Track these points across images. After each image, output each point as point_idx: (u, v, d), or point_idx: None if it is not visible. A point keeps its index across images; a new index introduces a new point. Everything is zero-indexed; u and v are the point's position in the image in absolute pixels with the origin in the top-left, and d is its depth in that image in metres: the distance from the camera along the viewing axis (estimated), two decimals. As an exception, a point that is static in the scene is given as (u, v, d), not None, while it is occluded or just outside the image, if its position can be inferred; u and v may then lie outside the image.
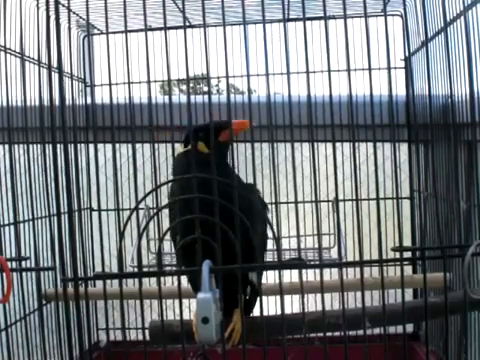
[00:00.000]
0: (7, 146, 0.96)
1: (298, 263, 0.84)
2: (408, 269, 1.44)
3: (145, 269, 1.11)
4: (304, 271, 0.82)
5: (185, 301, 1.20)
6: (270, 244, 1.08)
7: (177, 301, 0.81)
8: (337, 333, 0.89)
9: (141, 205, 1.02)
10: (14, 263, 0.88)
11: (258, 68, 1.43)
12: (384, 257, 0.79)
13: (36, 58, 1.23)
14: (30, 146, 1.10)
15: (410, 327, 1.61)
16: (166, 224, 0.84)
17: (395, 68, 1.58)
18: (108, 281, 0.79)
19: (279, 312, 0.83)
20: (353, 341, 1.18)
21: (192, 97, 1.53)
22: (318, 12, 1.47)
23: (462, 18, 0.88)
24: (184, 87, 2.12)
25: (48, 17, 0.77)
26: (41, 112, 0.95)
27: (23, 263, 0.90)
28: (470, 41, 0.82)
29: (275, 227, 0.78)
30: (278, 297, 1.18)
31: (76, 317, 0.76)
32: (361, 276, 0.80)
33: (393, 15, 1.54)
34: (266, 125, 1.32)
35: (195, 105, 1.49)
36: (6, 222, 1.08)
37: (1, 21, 1.08)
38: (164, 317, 0.83)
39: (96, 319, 1.63)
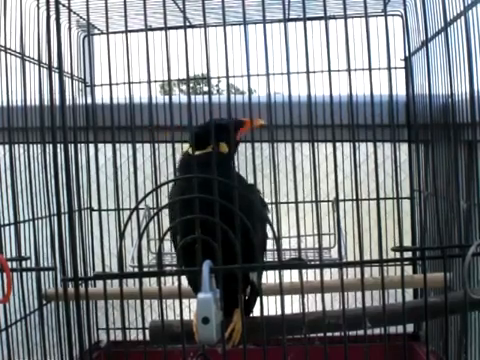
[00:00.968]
0: (7, 146, 0.96)
1: (298, 263, 0.84)
2: (408, 269, 1.44)
3: (145, 269, 1.11)
4: (304, 271, 0.82)
5: (185, 301, 1.20)
6: (270, 244, 1.08)
7: (177, 301, 0.81)
8: (337, 333, 0.89)
9: (141, 205, 1.02)
10: (14, 263, 0.88)
11: (258, 68, 1.43)
12: (384, 257, 0.79)
13: (36, 58, 1.23)
14: (30, 146, 1.10)
15: (410, 327, 1.61)
16: (166, 224, 0.84)
17: (395, 68, 1.58)
18: (108, 281, 0.79)
19: (279, 312, 0.83)
20: (353, 341, 1.18)
21: (192, 97, 1.53)
22: (318, 12, 1.47)
23: (462, 18, 0.88)
24: (184, 87, 2.12)
25: (48, 17, 0.77)
26: (41, 112, 0.95)
27: (23, 263, 0.90)
28: (470, 41, 0.82)
29: (275, 227, 0.78)
30: (278, 297, 1.18)
31: (76, 317, 0.76)
32: (361, 276, 0.80)
33: (393, 15, 1.54)
34: (266, 125, 1.32)
35: (195, 105, 1.49)
36: (6, 222, 1.08)
37: (1, 21, 1.08)
38: (164, 317, 0.83)
39: (96, 319, 1.63)
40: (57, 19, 0.74)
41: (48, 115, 0.76)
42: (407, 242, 1.50)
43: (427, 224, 1.38)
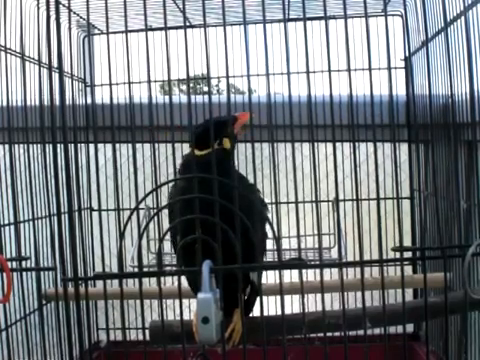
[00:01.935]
0: (7, 146, 0.96)
1: (298, 263, 0.84)
2: (408, 269, 1.44)
3: (145, 269, 1.11)
4: (304, 271, 0.82)
5: (185, 301, 1.20)
6: (270, 244, 1.08)
7: (177, 301, 0.81)
8: (337, 333, 0.89)
9: (141, 205, 1.02)
10: (14, 263, 0.88)
11: (258, 68, 1.43)
12: (384, 257, 0.79)
13: (36, 58, 1.23)
14: (30, 146, 1.10)
15: (410, 327, 1.61)
16: (166, 224, 0.84)
17: (395, 68, 1.59)
18: (108, 281, 0.79)
19: (279, 312, 0.82)
20: (353, 341, 1.18)
21: (192, 97, 1.53)
22: (318, 12, 1.47)
23: (462, 18, 0.88)
24: (184, 87, 2.12)
25: (48, 17, 0.77)
26: (41, 112, 0.95)
27: (23, 263, 0.90)
28: (470, 41, 0.82)
29: (275, 227, 0.78)
30: (278, 297, 1.18)
31: (76, 317, 0.76)
32: (361, 276, 0.80)
33: (393, 15, 1.54)
34: (266, 125, 1.32)
35: (195, 105, 1.49)
36: (6, 222, 1.08)
37: (1, 21, 1.08)
38: (164, 317, 0.83)
39: (96, 319, 1.63)
40: (57, 19, 0.74)
41: (48, 115, 0.76)
42: (407, 242, 1.50)
43: (427, 224, 1.38)
